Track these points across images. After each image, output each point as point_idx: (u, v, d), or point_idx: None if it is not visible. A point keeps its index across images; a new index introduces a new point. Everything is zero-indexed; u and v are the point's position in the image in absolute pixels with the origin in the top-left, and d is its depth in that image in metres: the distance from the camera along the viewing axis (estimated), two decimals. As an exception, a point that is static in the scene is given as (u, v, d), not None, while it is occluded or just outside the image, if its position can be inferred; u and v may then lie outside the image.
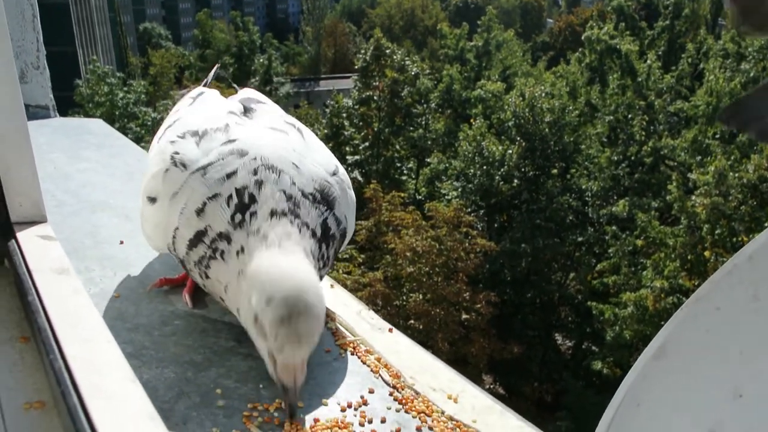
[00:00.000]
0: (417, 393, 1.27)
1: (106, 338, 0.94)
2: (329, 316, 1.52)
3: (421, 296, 12.59)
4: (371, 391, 1.25)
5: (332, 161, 1.39)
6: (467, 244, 12.98)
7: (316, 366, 1.33)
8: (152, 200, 1.34)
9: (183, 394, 1.20)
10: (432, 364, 1.38)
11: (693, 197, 12.56)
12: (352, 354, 1.37)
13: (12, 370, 1.03)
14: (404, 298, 12.67)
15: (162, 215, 1.31)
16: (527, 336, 14.67)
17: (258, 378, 1.27)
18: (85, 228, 1.89)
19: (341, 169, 1.40)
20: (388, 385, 1.28)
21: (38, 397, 0.96)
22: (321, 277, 1.29)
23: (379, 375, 1.31)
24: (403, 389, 1.27)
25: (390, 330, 1.47)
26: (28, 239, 1.29)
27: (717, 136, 14.82)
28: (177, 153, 1.30)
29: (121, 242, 1.78)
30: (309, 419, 1.16)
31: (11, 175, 1.30)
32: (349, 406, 1.20)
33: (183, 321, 1.45)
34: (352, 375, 1.30)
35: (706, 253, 12.24)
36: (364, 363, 1.34)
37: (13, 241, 1.29)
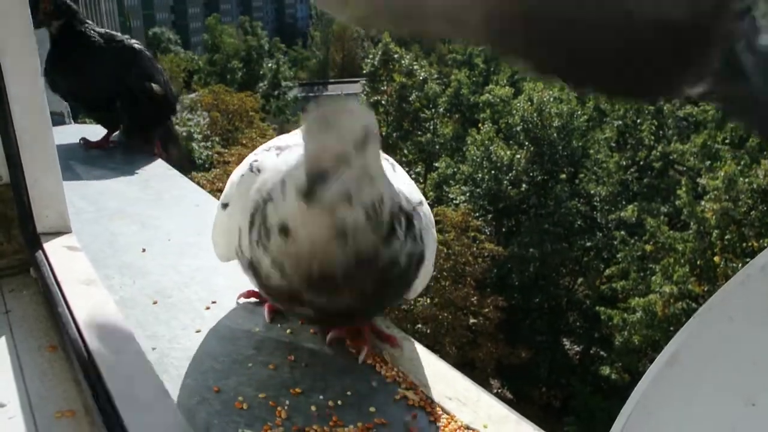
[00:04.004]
0: (432, 401, 1.29)
1: (135, 350, 0.97)
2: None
3: (428, 300, 12.58)
4: (387, 399, 1.27)
5: (418, 194, 1.33)
6: (475, 249, 12.97)
7: (328, 373, 1.35)
8: (225, 206, 1.34)
9: (204, 401, 1.22)
10: (447, 372, 1.40)
11: (702, 202, 12.50)
12: (368, 362, 1.40)
13: (42, 379, 1.06)
14: (411, 302, 12.66)
15: (230, 219, 1.30)
16: (535, 341, 14.61)
17: (278, 386, 1.29)
18: (104, 236, 1.92)
19: (426, 206, 1.34)
20: (404, 393, 1.30)
21: (69, 406, 0.99)
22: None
23: (395, 383, 1.33)
24: (418, 398, 1.29)
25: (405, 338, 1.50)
26: (54, 250, 1.32)
27: (727, 141, 14.75)
28: (256, 160, 1.30)
29: (144, 250, 1.80)
30: (325, 425, 1.19)
31: (39, 188, 1.33)
32: (365, 413, 1.22)
33: (202, 329, 1.48)
34: (368, 382, 1.32)
35: (716, 259, 12.17)
36: (379, 371, 1.37)
37: (40, 251, 1.32)
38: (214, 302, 1.57)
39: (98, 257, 1.74)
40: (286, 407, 1.22)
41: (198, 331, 1.46)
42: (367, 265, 1.12)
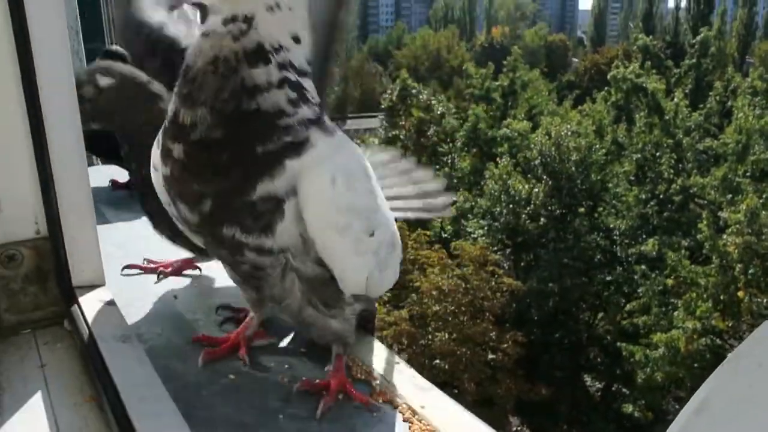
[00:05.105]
0: (462, 458, 1.28)
1: (173, 410, 0.98)
2: (371, 375, 1.54)
3: (446, 335, 12.45)
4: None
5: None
6: (493, 283, 12.87)
7: (359, 425, 1.35)
8: None
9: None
10: (475, 426, 1.39)
11: (724, 236, 12.35)
12: (396, 414, 1.39)
13: (79, 436, 1.07)
14: (429, 337, 12.55)
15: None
16: (555, 377, 14.38)
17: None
18: (133, 282, 1.93)
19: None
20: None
21: (106, 466, 1.00)
22: None
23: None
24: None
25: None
26: (90, 304, 1.34)
27: (748, 174, 14.64)
28: None
29: (175, 297, 1.81)
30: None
31: (76, 242, 1.35)
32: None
33: (229, 379, 1.48)
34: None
35: (740, 293, 11.97)
36: (410, 425, 1.36)
37: (76, 305, 1.35)
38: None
39: (128, 305, 1.75)
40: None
41: (225, 381, 1.46)
42: (225, 72, 1.12)
